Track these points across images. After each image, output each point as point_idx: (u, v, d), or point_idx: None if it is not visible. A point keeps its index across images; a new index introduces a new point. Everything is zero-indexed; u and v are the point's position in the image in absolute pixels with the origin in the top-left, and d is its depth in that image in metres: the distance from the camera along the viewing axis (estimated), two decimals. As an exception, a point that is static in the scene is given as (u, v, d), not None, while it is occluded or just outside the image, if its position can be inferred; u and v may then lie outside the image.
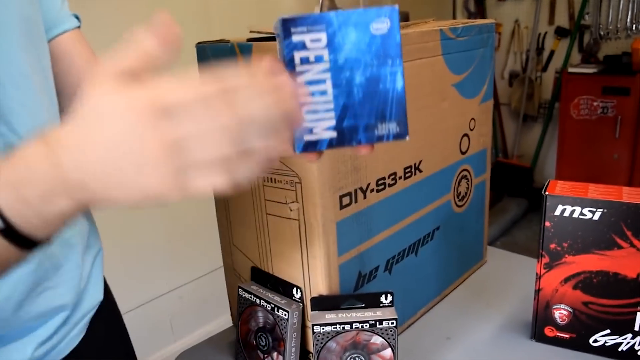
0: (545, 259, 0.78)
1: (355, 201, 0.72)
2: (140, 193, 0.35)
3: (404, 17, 2.26)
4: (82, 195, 0.37)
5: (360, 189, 0.72)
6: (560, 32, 3.33)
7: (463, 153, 0.92)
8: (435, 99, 0.83)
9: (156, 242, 2.01)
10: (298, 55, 0.42)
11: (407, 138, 0.44)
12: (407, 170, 0.80)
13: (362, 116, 0.43)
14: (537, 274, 0.79)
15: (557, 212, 0.75)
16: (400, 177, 0.79)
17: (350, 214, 0.72)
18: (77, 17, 0.71)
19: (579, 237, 0.75)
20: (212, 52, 0.77)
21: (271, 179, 0.72)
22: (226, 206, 0.83)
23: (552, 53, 3.40)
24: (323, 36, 0.42)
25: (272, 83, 0.36)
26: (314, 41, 0.42)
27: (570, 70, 3.08)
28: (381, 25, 0.42)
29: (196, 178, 0.34)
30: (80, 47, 0.70)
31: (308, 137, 0.43)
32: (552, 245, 0.77)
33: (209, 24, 2.01)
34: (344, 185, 0.70)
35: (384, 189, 0.76)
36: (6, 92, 0.56)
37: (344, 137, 0.43)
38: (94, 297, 0.72)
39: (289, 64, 0.42)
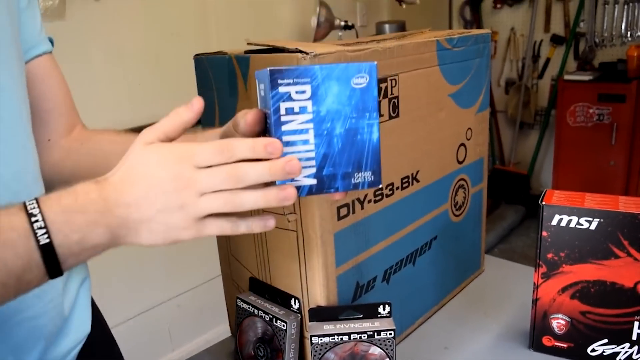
0: (543, 269, 0.78)
1: (353, 212, 0.72)
2: (163, 231, 0.45)
3: (401, 27, 2.27)
4: (119, 230, 0.45)
5: (358, 199, 0.73)
6: (555, 40, 3.35)
7: (460, 163, 0.93)
8: (431, 109, 0.83)
9: (154, 250, 2.00)
10: (284, 106, 0.44)
11: (381, 185, 0.49)
12: (404, 181, 0.80)
13: (340, 165, 0.46)
14: (534, 283, 0.79)
15: (554, 222, 0.76)
16: (397, 188, 0.79)
17: (347, 224, 0.72)
18: (51, 41, 0.70)
19: (576, 247, 0.76)
20: (209, 64, 0.77)
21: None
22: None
23: (548, 60, 3.42)
24: (308, 88, 0.44)
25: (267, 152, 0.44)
26: (299, 92, 0.44)
27: (566, 77, 3.09)
28: (361, 80, 0.46)
29: (210, 224, 0.46)
30: (55, 72, 0.69)
31: (290, 185, 0.45)
32: (550, 255, 0.77)
33: (207, 33, 2.02)
34: (342, 196, 0.70)
35: (381, 199, 0.76)
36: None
37: (323, 184, 0.46)
38: (80, 329, 0.67)
39: (275, 114, 0.44)
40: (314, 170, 0.46)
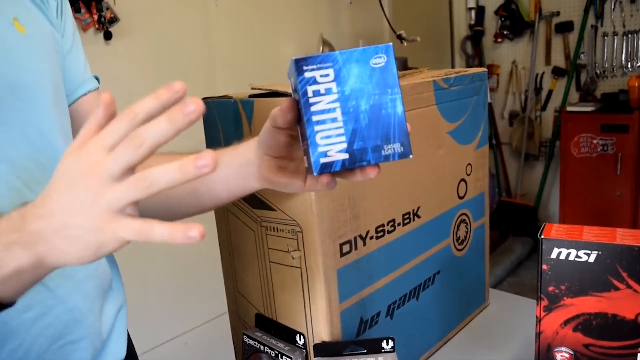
0: (545, 302, 0.79)
1: (356, 248, 0.74)
2: (81, 237, 0.41)
3: (403, 63, 2.32)
4: (37, 246, 0.42)
5: (360, 236, 0.75)
6: (557, 72, 3.40)
7: (461, 198, 0.95)
8: (431, 146, 0.86)
9: (161, 287, 2.01)
10: (310, 89, 0.48)
11: (411, 156, 0.49)
12: (405, 217, 0.82)
13: (369, 139, 0.49)
14: (537, 316, 0.80)
15: (554, 255, 0.77)
16: (399, 224, 0.81)
17: (350, 261, 0.74)
18: (97, 79, 0.75)
19: (576, 279, 0.77)
20: (216, 107, 0.80)
21: (274, 228, 0.74)
22: (231, 254, 0.86)
23: (550, 92, 3.46)
24: (331, 72, 0.48)
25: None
26: (323, 76, 0.48)
27: (569, 109, 3.12)
28: (379, 60, 0.49)
29: (124, 222, 0.41)
30: None
31: (323, 160, 0.48)
32: (550, 288, 0.79)
33: (213, 73, 2.08)
34: (344, 233, 0.72)
35: (383, 235, 0.78)
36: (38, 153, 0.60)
37: (355, 158, 0.49)
38: (116, 353, 0.71)
39: (303, 96, 0.48)
40: (345, 145, 0.48)
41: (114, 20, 1.74)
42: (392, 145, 0.49)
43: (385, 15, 2.48)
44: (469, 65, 3.65)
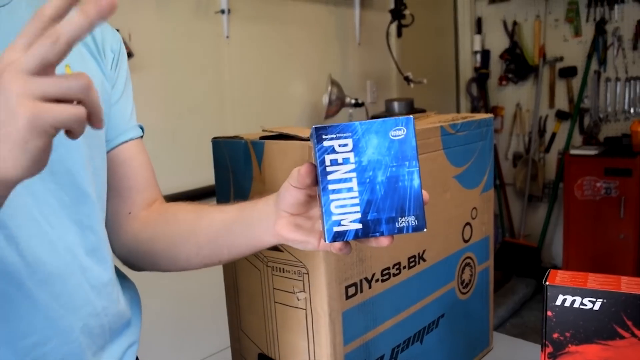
0: (549, 349, 0.79)
1: (361, 291, 0.75)
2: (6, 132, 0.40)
3: (409, 104, 2.36)
4: None
5: (366, 279, 0.75)
6: (560, 115, 3.44)
7: (466, 241, 0.96)
8: (437, 190, 0.87)
9: (161, 320, 2.00)
10: (328, 158, 0.49)
11: (425, 230, 0.50)
12: (411, 260, 0.83)
13: (384, 210, 0.49)
14: (541, 364, 0.80)
15: (558, 302, 0.77)
16: (404, 267, 0.82)
17: (356, 303, 0.74)
18: (142, 128, 0.78)
19: (581, 327, 0.77)
20: (226, 147, 0.82)
21: (280, 268, 0.75)
22: (236, 292, 0.86)
23: (554, 135, 3.49)
24: (349, 141, 0.49)
25: None
26: (342, 146, 0.49)
27: (572, 152, 3.15)
28: (399, 132, 0.50)
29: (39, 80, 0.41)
30: (140, 156, 0.78)
31: (337, 228, 0.49)
32: (555, 335, 0.79)
33: (223, 110, 2.11)
34: (350, 276, 0.73)
35: (388, 278, 0.79)
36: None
37: (369, 228, 0.49)
38: None
39: (321, 165, 0.49)
40: (359, 215, 0.49)
41: (129, 55, 1.79)
42: (406, 217, 0.50)
43: (393, 57, 2.53)
44: (474, 107, 3.69)
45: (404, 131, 0.49)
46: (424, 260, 0.86)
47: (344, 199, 0.49)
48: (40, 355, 0.61)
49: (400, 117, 0.50)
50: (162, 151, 1.89)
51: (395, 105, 2.38)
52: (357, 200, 0.49)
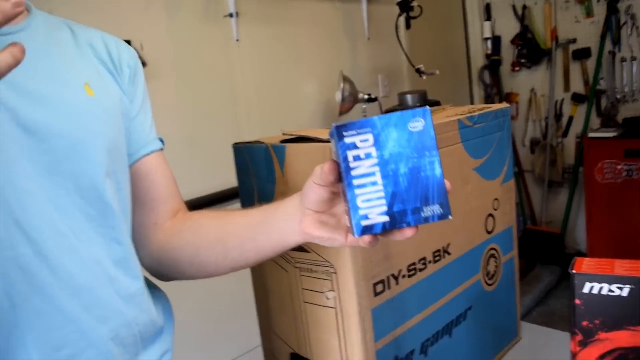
0: (579, 337, 0.79)
1: (389, 287, 0.75)
2: None
3: (422, 96, 2.36)
4: None
5: (393, 275, 0.76)
6: (576, 98, 3.40)
7: (489, 232, 0.96)
8: (457, 184, 0.87)
9: (192, 327, 2.03)
10: (351, 154, 0.49)
11: (450, 217, 0.50)
12: (436, 254, 0.83)
13: (409, 201, 0.50)
14: (571, 352, 0.80)
15: (586, 290, 0.77)
16: (430, 261, 0.82)
17: (384, 300, 0.75)
18: (161, 140, 0.80)
19: (609, 314, 0.77)
20: (248, 152, 0.83)
21: (308, 269, 0.76)
22: (265, 295, 0.87)
23: (570, 119, 3.45)
24: (370, 137, 0.50)
25: None
26: (363, 141, 0.50)
27: (591, 135, 3.11)
28: (417, 123, 0.50)
29: None
30: (162, 167, 0.79)
31: (364, 222, 0.50)
32: (584, 323, 0.79)
33: (236, 112, 2.13)
34: (377, 273, 0.74)
35: (414, 273, 0.80)
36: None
37: (395, 220, 0.50)
38: None
39: (344, 161, 0.49)
40: (385, 208, 0.50)
41: (142, 65, 1.81)
42: (431, 206, 0.50)
43: (403, 49, 2.53)
44: (487, 94, 3.67)
45: (421, 122, 0.50)
46: (449, 253, 0.86)
47: (369, 192, 0.49)
48: None
49: (417, 109, 0.50)
50: (179, 157, 1.91)
51: (409, 97, 2.38)
52: (382, 194, 0.50)
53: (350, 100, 2.24)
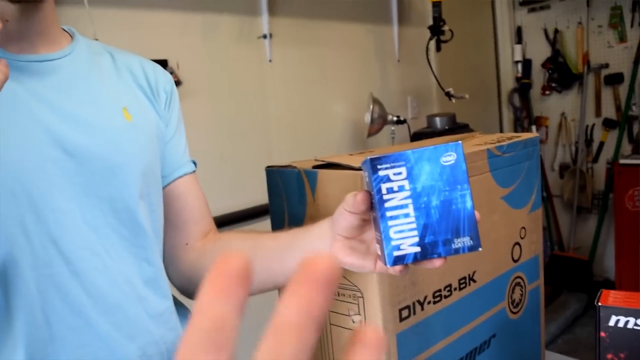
0: (604, 370, 0.79)
1: (414, 313, 0.77)
2: None
3: (451, 119, 2.37)
4: None
5: (418, 301, 0.77)
6: (608, 124, 3.36)
7: (515, 261, 0.96)
8: (485, 212, 0.89)
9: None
10: (384, 187, 0.51)
11: (480, 249, 0.52)
12: (461, 281, 0.84)
13: (440, 233, 0.52)
14: (596, 384, 0.80)
15: (612, 323, 0.78)
16: (455, 288, 0.83)
17: (409, 325, 0.76)
18: (194, 163, 0.83)
19: (635, 348, 0.77)
20: (280, 176, 0.86)
21: (335, 292, 0.78)
22: (291, 315, 0.89)
23: (601, 144, 3.41)
24: (403, 170, 0.51)
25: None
26: (396, 174, 0.51)
27: (622, 161, 3.07)
28: (449, 157, 0.52)
29: None
30: (194, 189, 0.83)
31: (396, 253, 0.51)
32: (609, 356, 0.79)
33: (268, 131, 2.17)
34: (403, 299, 0.75)
35: (440, 300, 0.81)
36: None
37: (426, 251, 0.52)
38: None
39: (377, 193, 0.51)
40: (417, 239, 0.51)
41: (177, 83, 1.87)
42: (462, 238, 0.52)
43: (433, 72, 2.54)
44: (516, 117, 3.65)
45: (454, 156, 0.52)
46: (474, 281, 0.87)
47: (402, 224, 0.51)
48: None
49: (450, 143, 0.52)
50: (210, 174, 1.95)
51: (437, 120, 2.39)
52: (414, 225, 0.51)
53: (380, 122, 2.27)
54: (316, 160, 0.81)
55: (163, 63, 1.75)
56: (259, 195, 2.04)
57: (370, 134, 2.26)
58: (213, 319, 0.21)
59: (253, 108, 2.12)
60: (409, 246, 0.51)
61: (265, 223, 2.00)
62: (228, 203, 1.98)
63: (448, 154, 0.52)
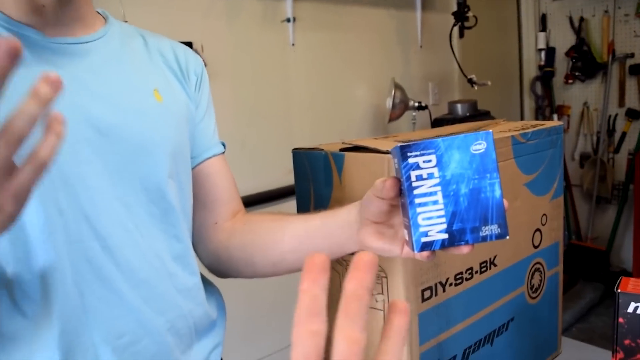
0: (620, 354, 0.81)
1: (436, 294, 0.79)
2: None
3: (473, 106, 2.36)
4: None
5: (440, 282, 0.80)
6: (631, 114, 3.32)
7: (535, 247, 0.98)
8: (508, 198, 0.89)
9: (235, 315, 2.09)
10: (414, 174, 0.52)
11: (508, 237, 0.53)
12: (482, 265, 0.86)
13: (468, 220, 0.52)
14: (612, 369, 0.82)
15: (630, 310, 0.79)
16: (476, 272, 0.85)
17: (430, 306, 0.79)
18: (223, 144, 0.86)
19: (653, 335, 0.78)
20: (307, 158, 0.88)
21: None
22: (314, 293, 0.92)
23: (623, 135, 3.38)
24: (433, 157, 0.52)
25: None
26: (426, 162, 0.52)
27: (644, 152, 3.04)
28: (479, 146, 0.52)
29: None
30: (223, 170, 0.85)
31: (424, 239, 0.52)
32: (627, 341, 0.80)
33: (289, 115, 2.19)
34: (426, 280, 0.77)
35: (461, 282, 0.83)
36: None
37: (454, 238, 0.52)
38: None
39: (407, 180, 0.52)
40: (444, 226, 0.52)
41: (202, 65, 1.89)
42: (489, 226, 0.52)
43: (456, 59, 2.54)
44: (538, 106, 3.62)
45: (484, 145, 0.52)
46: (495, 265, 0.89)
47: (430, 211, 0.52)
48: (134, 353, 0.68)
49: (480, 132, 0.52)
50: (231, 156, 1.97)
51: (459, 107, 2.39)
52: (442, 212, 0.52)
53: (401, 107, 2.27)
54: (343, 143, 0.83)
55: (188, 45, 1.77)
56: (280, 178, 2.07)
57: (391, 119, 2.27)
58: (312, 297, 0.33)
59: (275, 91, 2.14)
60: (437, 233, 0.52)
61: (287, 205, 2.03)
62: (249, 185, 2.00)
63: (478, 143, 0.52)
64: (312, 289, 0.34)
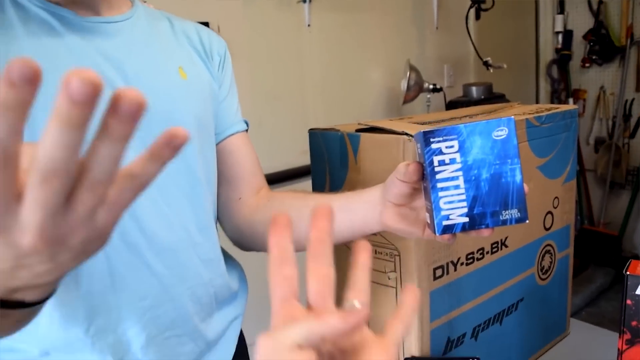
0: (627, 336, 0.83)
1: (447, 273, 0.81)
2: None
3: (488, 89, 2.36)
4: None
5: (452, 262, 0.81)
6: (648, 99, 3.29)
7: (547, 229, 0.99)
8: (520, 181, 0.91)
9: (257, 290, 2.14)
10: (436, 159, 0.53)
11: (527, 221, 0.54)
12: (494, 246, 0.88)
13: (488, 205, 0.54)
14: (618, 349, 0.84)
15: (638, 292, 0.81)
16: (487, 252, 0.87)
17: (442, 284, 0.81)
18: (246, 122, 0.88)
19: (660, 316, 0.80)
20: (323, 138, 0.90)
21: (373, 250, 0.82)
22: (328, 270, 0.94)
23: (639, 120, 3.35)
24: (455, 143, 0.53)
25: None
26: (448, 147, 0.53)
27: (660, 138, 3.02)
28: (501, 132, 0.53)
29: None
30: (246, 147, 0.87)
31: (446, 222, 0.54)
32: (634, 323, 0.82)
33: (304, 96, 2.20)
34: (438, 259, 0.79)
35: (472, 262, 0.85)
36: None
37: (475, 221, 0.54)
38: (223, 355, 0.81)
39: (429, 165, 0.54)
40: (465, 210, 0.53)
41: (218, 46, 1.90)
42: (510, 210, 0.54)
43: (472, 41, 2.52)
44: (554, 89, 3.59)
45: (505, 131, 0.53)
46: (506, 246, 0.90)
47: (452, 195, 0.53)
48: (155, 316, 0.71)
49: (502, 118, 0.53)
50: (250, 136, 2.00)
51: (474, 90, 2.38)
52: (463, 197, 0.53)
53: (416, 89, 2.27)
54: (359, 124, 0.85)
55: (204, 25, 1.78)
56: (295, 158, 2.09)
57: (405, 101, 2.27)
58: (281, 248, 0.39)
59: (290, 72, 2.15)
60: (458, 216, 0.53)
61: (302, 184, 2.05)
62: (264, 165, 2.02)
63: (500, 129, 0.53)
64: (279, 241, 0.40)
